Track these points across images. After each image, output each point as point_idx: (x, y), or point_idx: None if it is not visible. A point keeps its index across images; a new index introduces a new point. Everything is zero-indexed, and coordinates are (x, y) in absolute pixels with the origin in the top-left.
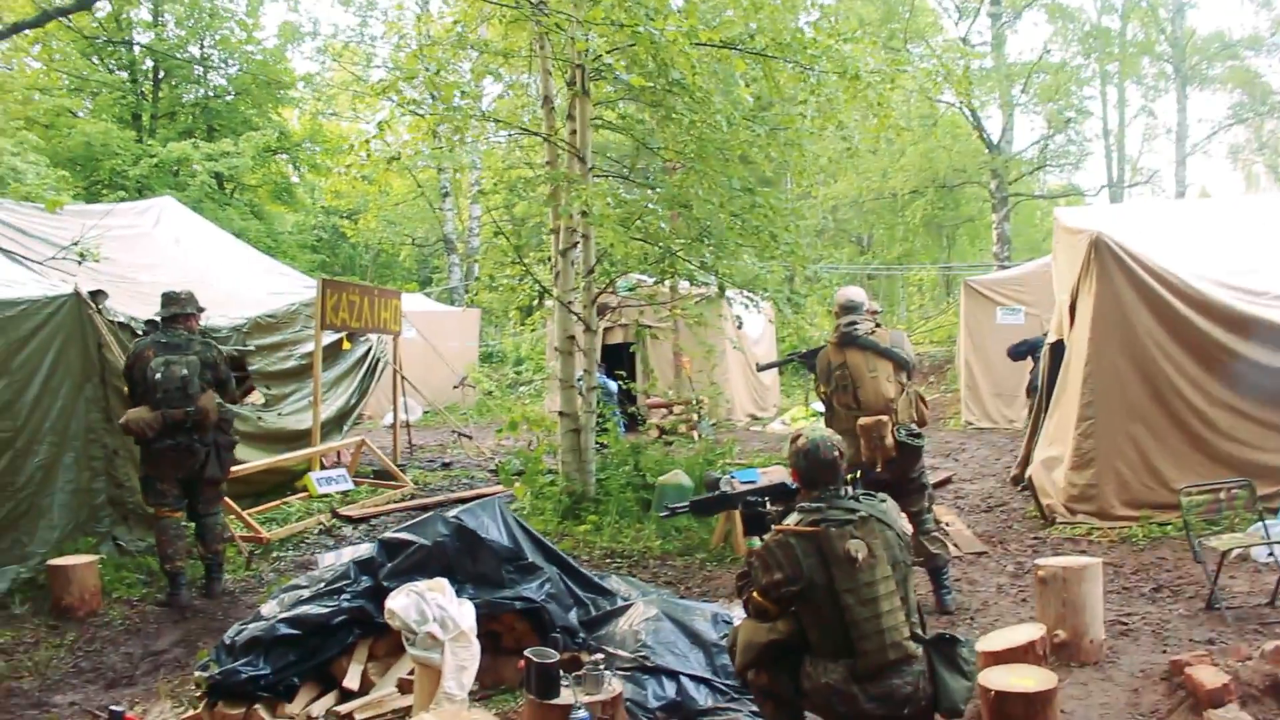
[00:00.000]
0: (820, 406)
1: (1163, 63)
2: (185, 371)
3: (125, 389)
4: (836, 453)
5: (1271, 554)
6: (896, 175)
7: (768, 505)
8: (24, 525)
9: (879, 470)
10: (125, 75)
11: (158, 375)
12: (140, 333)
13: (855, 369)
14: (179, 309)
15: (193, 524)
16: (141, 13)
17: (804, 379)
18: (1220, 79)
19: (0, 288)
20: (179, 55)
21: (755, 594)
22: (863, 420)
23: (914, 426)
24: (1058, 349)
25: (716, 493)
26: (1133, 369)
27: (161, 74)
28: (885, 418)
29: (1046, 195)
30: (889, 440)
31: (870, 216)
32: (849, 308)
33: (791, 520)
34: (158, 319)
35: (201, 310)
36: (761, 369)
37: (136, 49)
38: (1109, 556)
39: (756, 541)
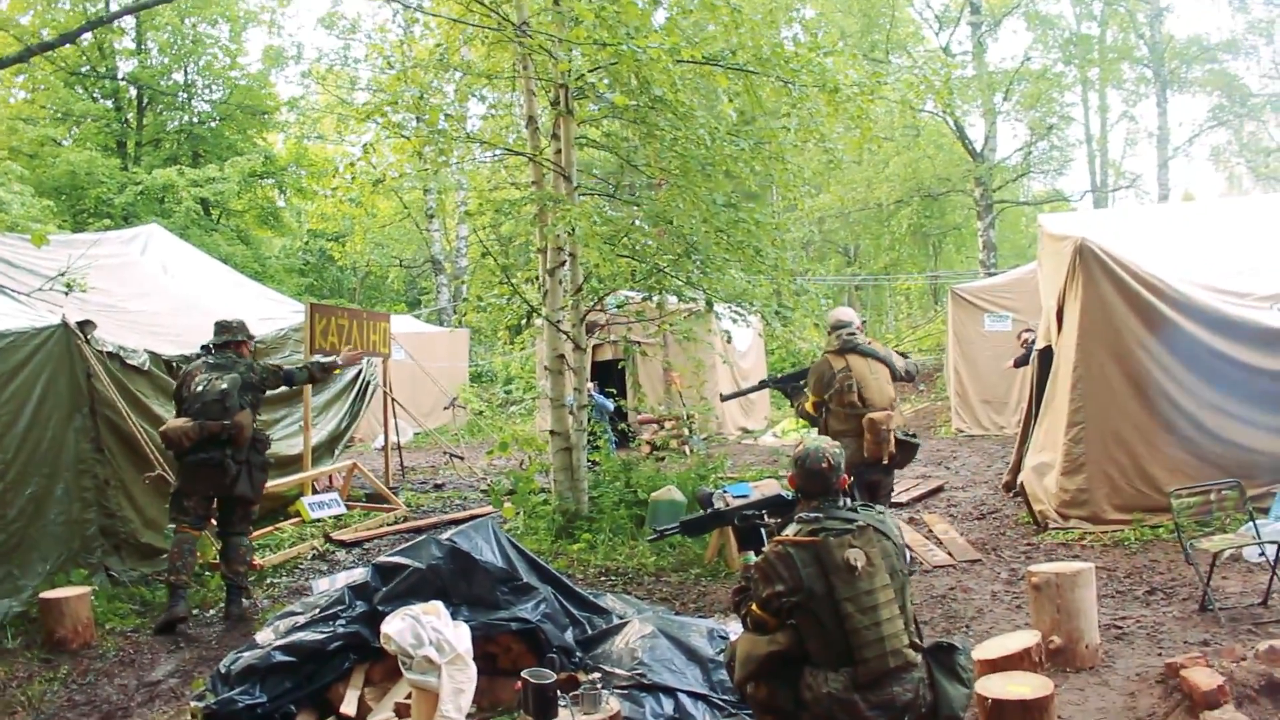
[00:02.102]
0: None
1: (1142, 67)
2: (225, 386)
3: (175, 409)
4: (825, 464)
5: (1263, 554)
6: (881, 186)
7: (764, 518)
8: (15, 558)
9: (885, 461)
10: (109, 104)
11: (199, 388)
12: (186, 359)
13: (858, 371)
14: (230, 336)
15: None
16: (124, 41)
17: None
18: (1199, 82)
19: None
20: (163, 83)
21: (754, 606)
22: (873, 414)
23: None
24: (1046, 355)
25: (709, 511)
26: (1120, 373)
27: (145, 101)
28: (893, 413)
29: (1031, 202)
30: (894, 436)
31: (856, 227)
32: (841, 323)
33: (790, 531)
34: (211, 345)
35: (252, 338)
36: (725, 399)
37: (120, 77)
38: (1102, 561)
39: (752, 556)
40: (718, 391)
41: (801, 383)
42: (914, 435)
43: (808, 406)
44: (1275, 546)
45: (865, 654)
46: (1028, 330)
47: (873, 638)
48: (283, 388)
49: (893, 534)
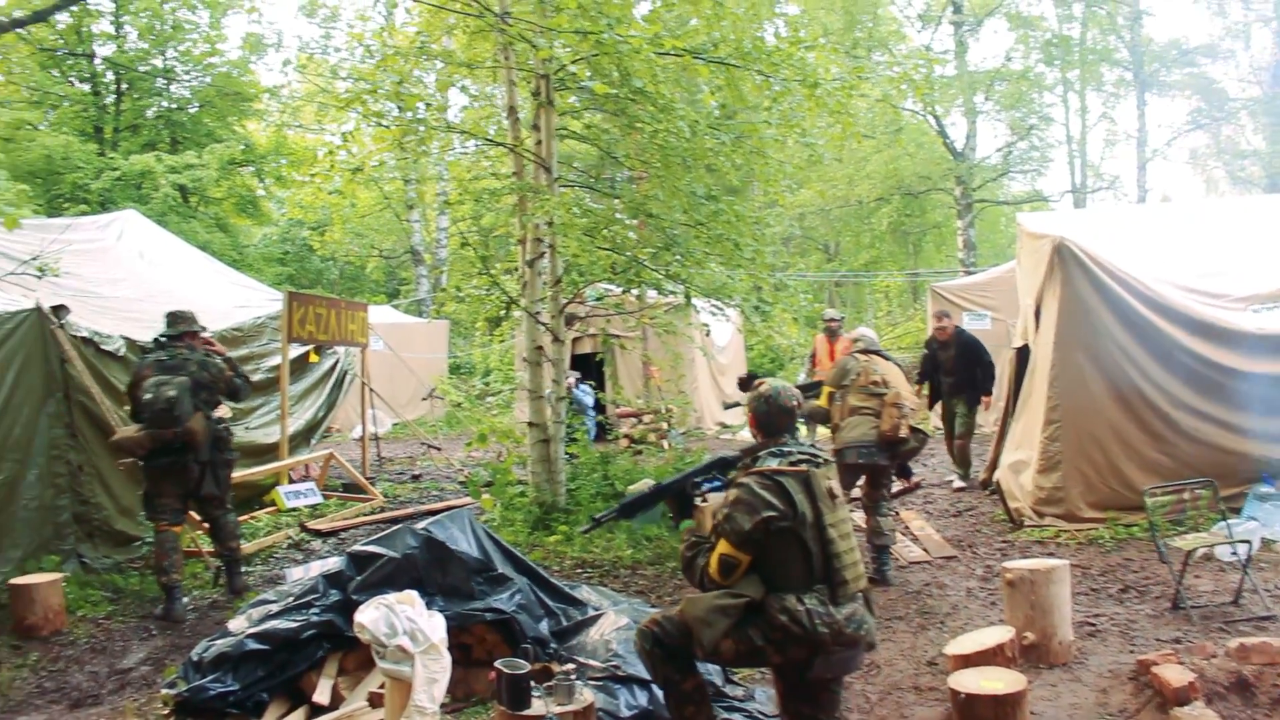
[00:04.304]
0: None
1: (1122, 69)
2: (173, 393)
3: (127, 407)
4: (795, 402)
5: (1235, 552)
6: (862, 183)
7: (716, 479)
8: None
9: (901, 435)
10: (87, 88)
11: (147, 396)
12: (144, 350)
13: (881, 365)
14: (185, 326)
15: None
16: (103, 24)
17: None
18: (1178, 85)
19: None
20: (141, 67)
21: (726, 547)
22: (901, 391)
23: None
24: (1024, 353)
25: (648, 489)
26: (1097, 372)
27: (124, 86)
28: (912, 398)
29: (1010, 201)
30: (910, 419)
31: (837, 224)
32: (863, 337)
33: (773, 463)
34: (163, 338)
35: (204, 329)
36: (729, 408)
37: (98, 61)
38: (1076, 559)
39: (691, 523)
40: (697, 385)
41: (809, 394)
42: (922, 429)
43: (822, 401)
44: (1247, 545)
45: (845, 575)
46: (945, 317)
47: (850, 561)
48: (226, 399)
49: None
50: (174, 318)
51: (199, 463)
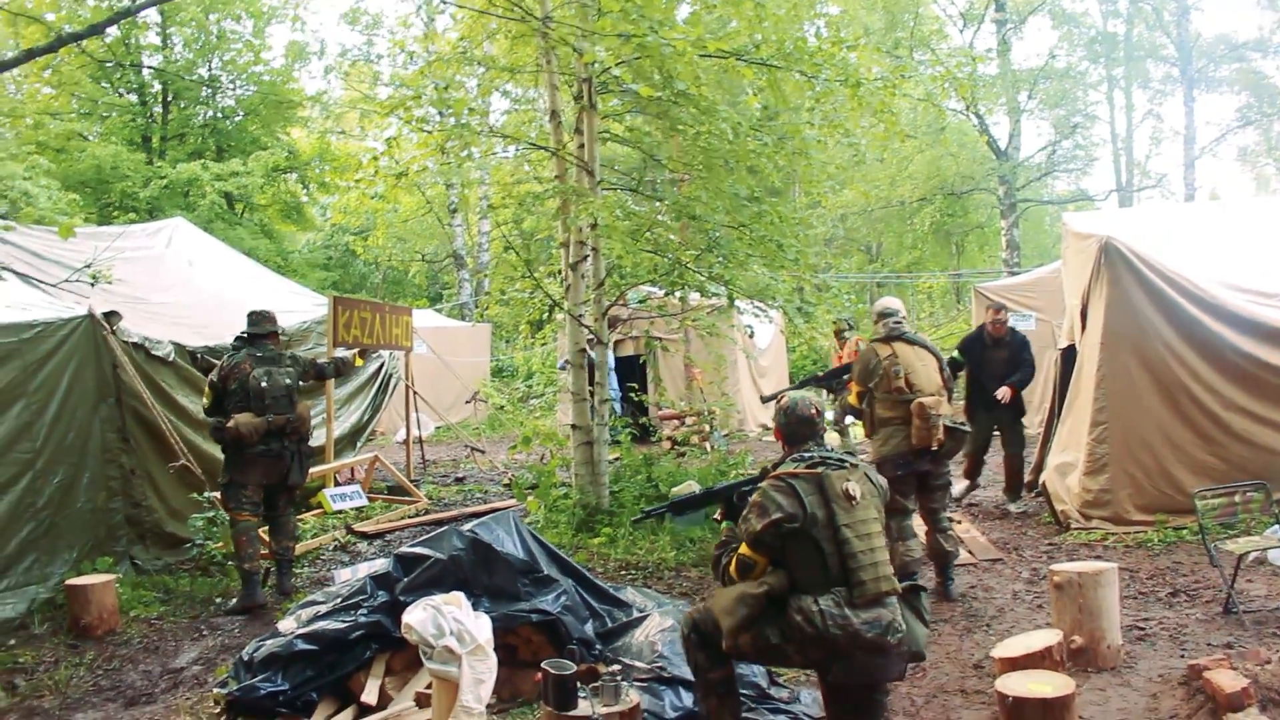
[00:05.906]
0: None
1: (1169, 65)
2: (289, 381)
3: (205, 400)
4: (813, 410)
5: None
6: (904, 183)
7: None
8: (43, 545)
9: (936, 447)
10: (135, 98)
11: (263, 383)
12: (232, 348)
13: (905, 358)
14: (270, 326)
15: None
16: (150, 36)
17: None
18: (1227, 81)
19: (16, 311)
20: (187, 77)
21: (743, 549)
22: (923, 399)
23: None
24: (1070, 354)
25: (699, 492)
26: (1145, 373)
27: (170, 96)
28: (942, 399)
29: (1055, 201)
30: (943, 423)
31: (879, 225)
32: (888, 312)
33: (789, 467)
34: (246, 335)
35: (282, 330)
36: (766, 400)
37: (146, 72)
38: (1124, 562)
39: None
40: (739, 387)
41: (845, 376)
42: (963, 424)
43: (851, 399)
44: None
45: (862, 576)
46: (1002, 309)
47: (867, 562)
48: (312, 381)
49: (877, 479)
50: (260, 316)
51: (291, 452)
